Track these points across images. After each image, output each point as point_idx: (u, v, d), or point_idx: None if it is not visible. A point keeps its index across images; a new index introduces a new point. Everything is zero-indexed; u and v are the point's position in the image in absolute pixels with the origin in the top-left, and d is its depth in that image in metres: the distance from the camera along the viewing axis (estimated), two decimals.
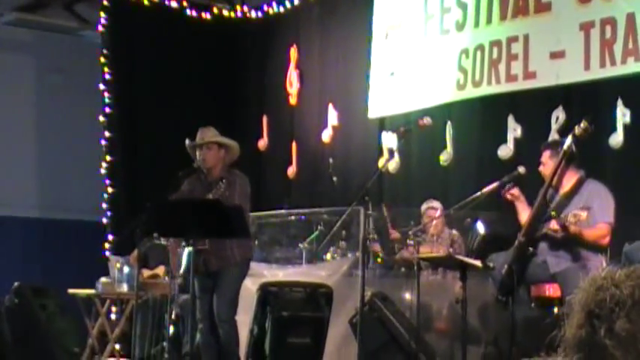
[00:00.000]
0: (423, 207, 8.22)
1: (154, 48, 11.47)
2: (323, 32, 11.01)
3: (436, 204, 8.13)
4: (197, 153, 6.88)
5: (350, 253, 8.20)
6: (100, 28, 11.39)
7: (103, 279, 9.26)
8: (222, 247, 6.69)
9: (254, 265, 8.10)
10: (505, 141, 8.41)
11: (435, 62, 9.20)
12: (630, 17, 7.39)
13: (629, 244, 6.07)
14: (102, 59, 11.25)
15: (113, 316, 9.77)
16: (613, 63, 7.50)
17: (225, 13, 12.03)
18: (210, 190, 6.71)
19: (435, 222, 7.95)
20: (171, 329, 8.40)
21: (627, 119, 7.43)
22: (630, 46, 7.38)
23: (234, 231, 6.36)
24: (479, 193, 6.89)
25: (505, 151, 8.39)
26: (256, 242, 8.82)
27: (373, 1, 10.10)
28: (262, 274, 8.09)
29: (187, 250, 6.71)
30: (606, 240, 6.22)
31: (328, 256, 8.47)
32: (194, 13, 11.86)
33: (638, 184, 7.36)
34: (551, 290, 6.31)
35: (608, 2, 7.60)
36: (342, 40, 10.70)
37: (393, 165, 9.47)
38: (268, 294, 7.77)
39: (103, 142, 11.19)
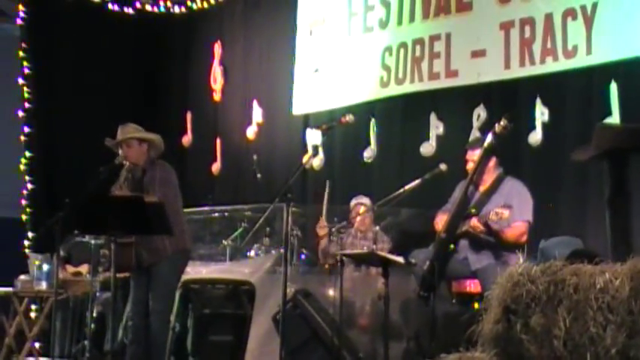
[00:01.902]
0: (352, 202, 8.20)
1: (74, 42, 11.29)
2: (247, 28, 10.98)
3: (365, 200, 8.13)
4: (119, 150, 6.79)
5: (273, 249, 8.19)
6: (19, 21, 11.17)
7: (22, 276, 9.10)
8: (152, 240, 6.56)
9: None
10: (427, 138, 8.50)
11: (358, 60, 9.25)
12: (548, 17, 7.54)
13: (545, 240, 6.19)
14: (21, 53, 11.04)
15: (33, 315, 9.60)
16: (532, 62, 7.64)
17: (148, 7, 11.91)
18: (133, 186, 6.64)
19: (361, 218, 7.97)
20: (92, 327, 8.29)
21: (546, 118, 7.57)
22: (549, 45, 7.52)
23: (154, 228, 6.26)
24: (402, 190, 6.94)
25: (427, 148, 8.47)
26: None
27: None
28: (185, 271, 8.02)
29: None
30: (524, 238, 6.33)
31: (252, 252, 8.44)
32: (116, 8, 11.71)
33: (556, 181, 7.51)
34: (472, 286, 6.41)
35: (527, 3, 7.73)
36: (267, 36, 10.69)
37: (316, 162, 9.49)
38: (190, 291, 7.72)
39: (23, 138, 10.99)
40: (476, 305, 6.14)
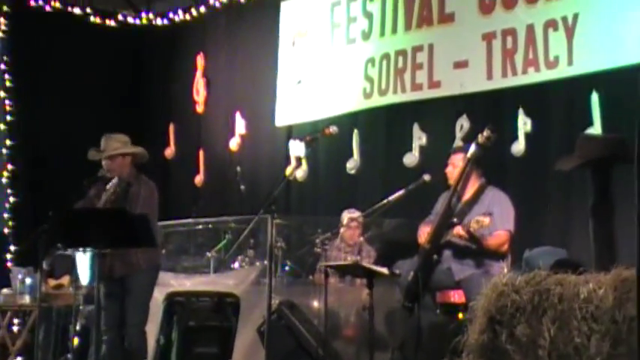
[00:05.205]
0: (345, 215, 8.06)
1: (57, 55, 11.27)
2: (230, 40, 10.99)
3: (357, 214, 8.01)
4: (102, 162, 6.78)
5: (258, 261, 8.17)
6: (0, 34, 11.13)
7: (5, 290, 9.06)
8: (127, 253, 6.57)
9: (161, 275, 8.00)
10: (411, 149, 8.53)
11: (341, 71, 9.28)
12: (530, 28, 7.58)
13: (529, 250, 6.20)
14: (2, 66, 11.00)
15: (15, 329, 9.56)
16: (514, 73, 7.68)
17: (131, 20, 11.91)
18: (115, 197, 6.63)
19: (351, 232, 7.95)
20: (76, 341, 8.26)
21: (528, 128, 7.61)
22: (530, 56, 7.56)
23: (139, 240, 6.26)
24: (385, 201, 6.95)
25: (411, 159, 8.49)
26: (163, 251, 8.73)
27: (280, 9, 10.12)
28: (169, 283, 8.00)
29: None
30: (505, 247, 6.34)
31: (236, 264, 8.42)
32: (98, 20, 11.71)
33: (539, 191, 7.54)
34: (456, 296, 6.41)
35: (508, 13, 7.77)
36: (250, 47, 10.70)
37: (300, 173, 9.50)
38: (175, 304, 7.70)
39: (5, 151, 10.94)
40: (460, 315, 6.14)
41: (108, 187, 6.63)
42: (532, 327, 1.99)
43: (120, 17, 11.85)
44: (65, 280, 9.17)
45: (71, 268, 8.53)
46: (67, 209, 6.59)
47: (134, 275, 6.60)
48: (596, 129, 7.05)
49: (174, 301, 7.69)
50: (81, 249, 7.22)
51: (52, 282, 9.17)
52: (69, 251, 8.46)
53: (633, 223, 2.10)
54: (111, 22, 11.79)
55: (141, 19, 11.91)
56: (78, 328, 8.35)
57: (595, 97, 7.14)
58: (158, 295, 7.45)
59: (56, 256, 8.84)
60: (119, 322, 6.59)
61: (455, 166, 6.57)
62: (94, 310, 6.77)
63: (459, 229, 6.27)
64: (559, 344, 2.00)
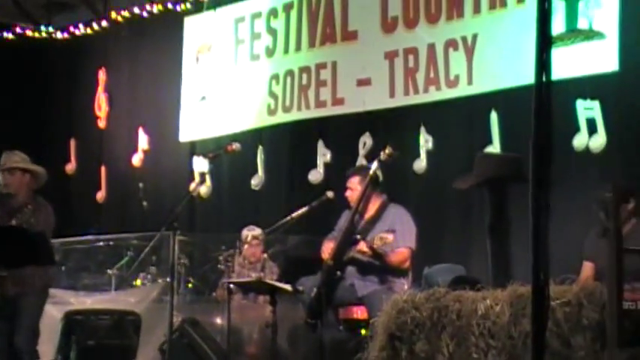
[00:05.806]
0: (245, 232, 8.04)
1: None
2: (133, 55, 10.87)
3: (257, 231, 7.97)
4: (0, 177, 6.63)
5: (160, 278, 8.09)
6: None
7: None
8: (22, 273, 6.42)
9: (60, 293, 7.85)
10: (315, 165, 8.57)
11: (245, 87, 9.27)
12: (431, 48, 7.72)
13: (429, 267, 6.28)
14: None
15: None
16: (416, 91, 7.80)
17: (29, 33, 11.65)
18: (14, 216, 6.48)
19: (252, 249, 7.94)
20: None
21: (430, 145, 7.74)
22: (432, 75, 7.70)
23: (39, 258, 6.14)
24: (289, 218, 6.96)
25: (315, 175, 8.54)
26: (63, 268, 8.56)
27: (183, 24, 10.07)
28: (69, 301, 7.85)
29: None
30: (407, 264, 6.41)
31: (138, 282, 8.32)
32: None
33: (440, 208, 7.66)
34: (359, 313, 6.44)
35: (410, 33, 7.90)
36: (153, 63, 10.60)
37: (204, 189, 9.45)
38: (73, 322, 7.53)
39: None
40: (363, 331, 6.18)
41: (24, 211, 6.47)
42: (431, 343, 2.01)
43: (18, 30, 11.58)
44: None
45: None
46: None
47: (26, 295, 6.45)
48: (495, 147, 7.21)
49: (72, 319, 7.53)
50: None
51: None
52: None
53: (528, 240, 2.16)
54: (8, 35, 11.51)
55: (40, 32, 11.66)
56: None
57: (494, 116, 7.30)
58: (56, 314, 7.30)
59: None
60: (10, 342, 6.43)
61: (353, 189, 6.60)
62: None
63: (362, 246, 6.30)
64: None
